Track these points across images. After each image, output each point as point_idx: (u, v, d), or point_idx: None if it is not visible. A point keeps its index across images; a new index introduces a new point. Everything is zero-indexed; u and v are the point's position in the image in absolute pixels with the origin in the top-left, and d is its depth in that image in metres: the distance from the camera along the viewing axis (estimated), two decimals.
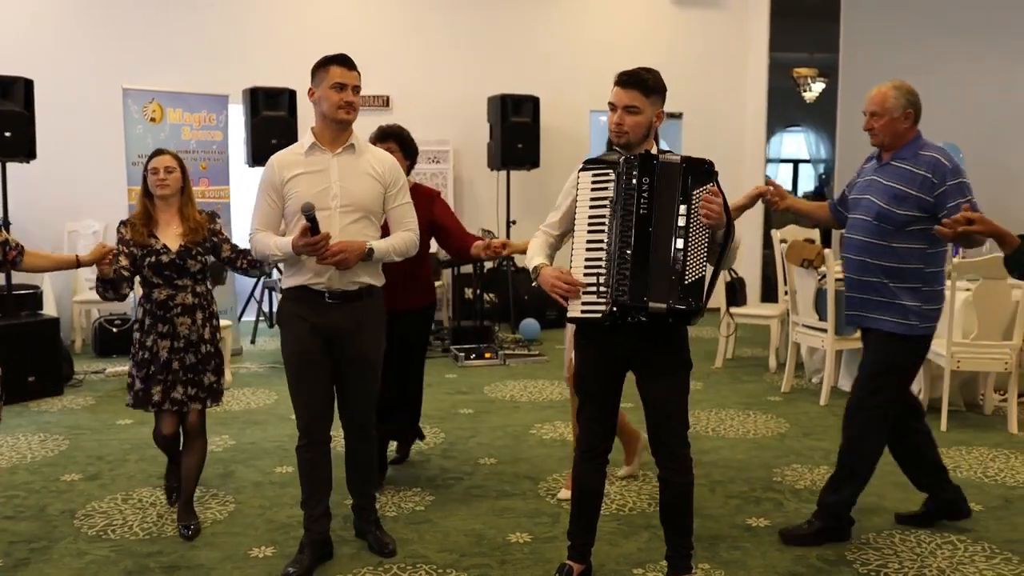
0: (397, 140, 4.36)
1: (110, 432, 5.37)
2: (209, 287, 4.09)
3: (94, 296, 7.92)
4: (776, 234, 7.97)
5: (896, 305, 3.60)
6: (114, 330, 7.58)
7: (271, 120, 7.90)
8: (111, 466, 4.77)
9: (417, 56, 9.14)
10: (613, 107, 3.14)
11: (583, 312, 3.09)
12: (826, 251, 5.99)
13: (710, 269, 3.10)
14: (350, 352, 3.46)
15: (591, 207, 3.11)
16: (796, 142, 17.37)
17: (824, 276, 6.01)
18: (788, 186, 17.82)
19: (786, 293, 7.08)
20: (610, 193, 3.08)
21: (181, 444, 4.06)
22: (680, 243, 3.04)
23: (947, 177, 3.50)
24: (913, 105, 3.65)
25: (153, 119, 7.14)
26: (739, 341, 7.58)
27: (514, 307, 8.57)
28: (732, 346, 7.45)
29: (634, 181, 3.04)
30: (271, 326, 8.58)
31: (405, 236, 3.52)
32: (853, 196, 3.81)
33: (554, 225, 3.33)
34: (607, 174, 3.10)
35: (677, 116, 9.73)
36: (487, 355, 7.30)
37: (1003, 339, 5.46)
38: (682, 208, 3.04)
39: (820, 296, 6.02)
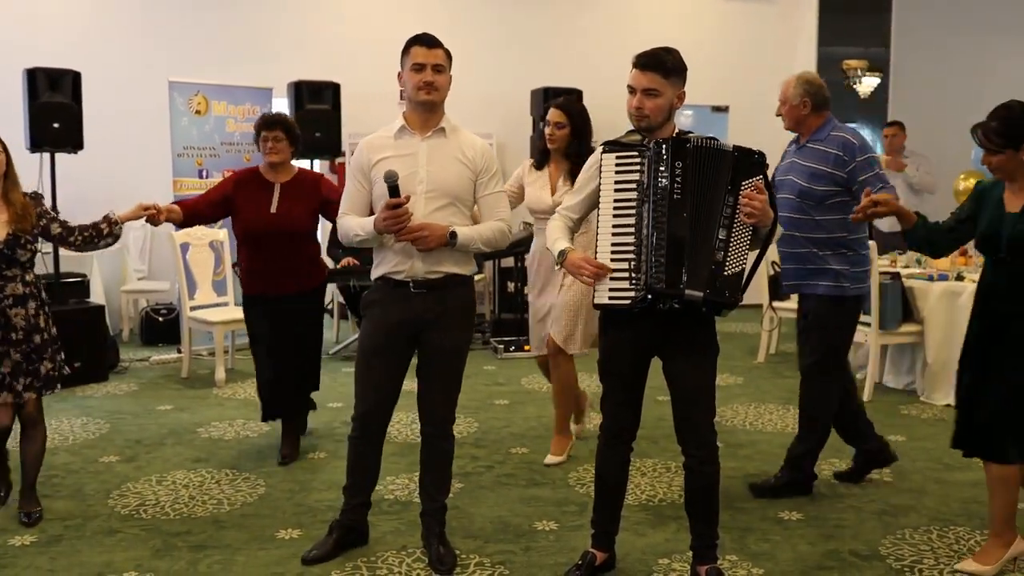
0: (283, 127, 4.53)
1: (150, 417, 5.45)
2: (37, 274, 3.87)
3: (143, 285, 8.18)
4: None
5: (829, 271, 3.97)
6: (160, 319, 7.70)
7: (315, 113, 7.94)
8: (148, 449, 4.84)
9: (460, 49, 8.94)
10: (632, 90, 3.07)
11: (611, 298, 3.03)
12: (870, 243, 5.85)
13: (751, 260, 3.04)
14: (434, 343, 3.34)
15: (616, 190, 3.04)
16: None
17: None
18: None
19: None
20: (637, 176, 3.00)
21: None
22: (723, 233, 2.96)
23: (856, 153, 3.90)
24: (810, 94, 4.04)
25: (198, 111, 7.24)
26: (782, 336, 7.46)
27: None
28: (775, 341, 7.32)
29: (665, 166, 2.97)
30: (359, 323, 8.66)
31: (495, 226, 3.35)
32: (779, 178, 4.08)
33: (573, 208, 3.27)
34: (633, 156, 3.04)
35: (723, 109, 9.64)
36: (526, 347, 7.25)
37: None
38: (729, 198, 2.96)
39: None
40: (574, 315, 4.50)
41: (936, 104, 9.66)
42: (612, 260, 3.02)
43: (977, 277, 5.59)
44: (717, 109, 9.66)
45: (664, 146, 2.98)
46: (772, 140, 9.26)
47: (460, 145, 3.33)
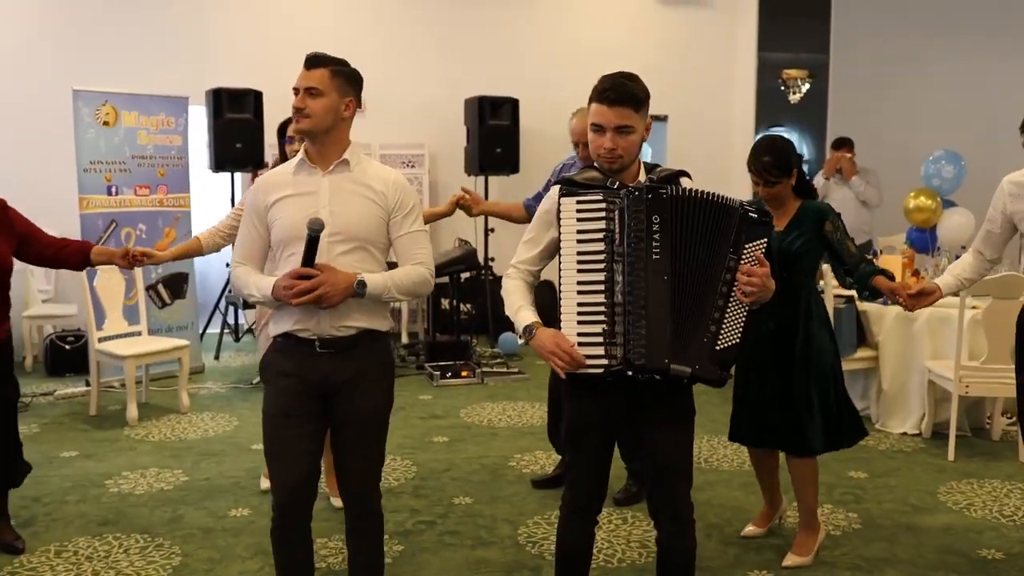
0: None
1: (51, 467, 4.93)
2: None
3: (48, 309, 7.56)
4: None
5: None
6: (67, 347, 7.12)
7: (235, 123, 7.50)
8: (47, 509, 4.33)
9: (391, 56, 8.71)
10: (599, 128, 2.68)
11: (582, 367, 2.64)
12: (824, 267, 5.62)
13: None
14: (347, 409, 2.86)
15: (580, 241, 2.64)
16: None
17: (822, 292, 5.65)
18: None
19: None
20: (603, 225, 2.61)
21: None
22: (720, 301, 2.60)
23: None
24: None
25: (107, 123, 6.67)
26: None
27: (492, 318, 8.16)
28: None
29: (640, 220, 2.58)
30: (237, 339, 8.15)
31: (412, 271, 2.88)
32: None
33: (532, 261, 2.86)
34: (598, 201, 2.64)
35: (662, 119, 9.39)
36: (464, 373, 6.89)
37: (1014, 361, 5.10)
38: (730, 262, 2.60)
39: None
40: None
41: (875, 107, 9.57)
42: (580, 323, 2.63)
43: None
44: (655, 118, 9.37)
45: (636, 193, 2.60)
46: (711, 151, 9.20)
47: (368, 180, 2.86)
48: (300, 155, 2.88)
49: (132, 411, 5.74)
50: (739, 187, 9.37)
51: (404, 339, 8.29)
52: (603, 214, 2.62)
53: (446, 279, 7.79)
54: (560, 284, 2.66)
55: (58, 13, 7.81)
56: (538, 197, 4.43)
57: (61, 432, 5.59)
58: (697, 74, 9.40)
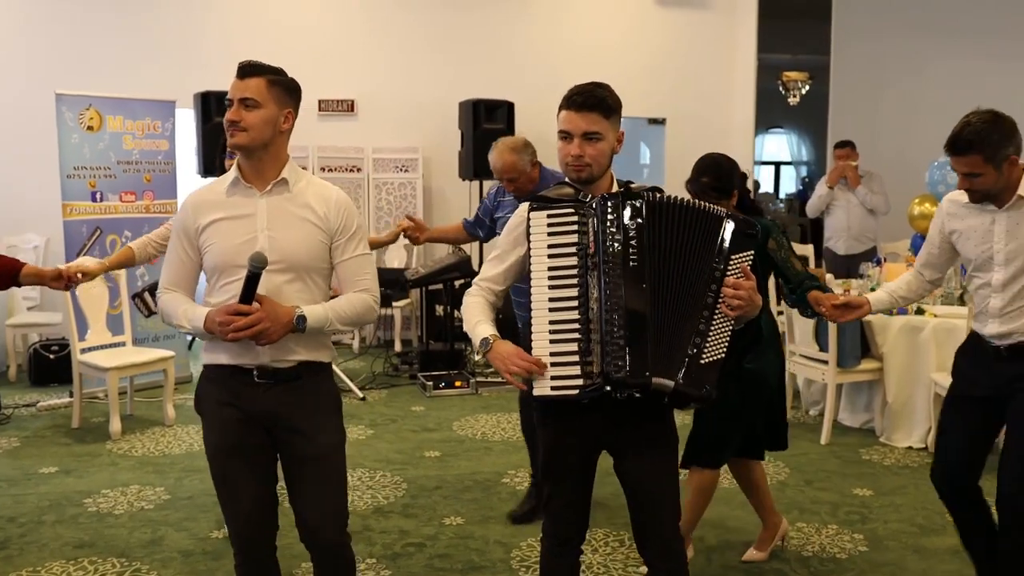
0: None
1: (30, 484, 4.76)
2: None
3: (32, 318, 7.40)
4: None
5: None
6: (51, 356, 6.96)
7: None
8: (22, 530, 4.17)
9: (384, 58, 8.56)
10: (567, 135, 2.56)
11: (555, 388, 2.46)
12: (827, 276, 5.49)
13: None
14: (296, 448, 2.64)
15: (551, 256, 2.49)
16: (778, 144, 16.93)
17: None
18: (770, 189, 17.41)
19: (779, 313, 6.59)
20: (576, 239, 2.48)
21: None
22: (707, 313, 2.46)
23: None
24: (533, 154, 4.08)
25: (91, 127, 6.50)
26: None
27: None
28: None
29: (615, 225, 2.45)
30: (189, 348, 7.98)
31: (356, 299, 2.67)
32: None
33: (496, 279, 2.70)
34: (569, 214, 2.50)
35: (660, 122, 9.24)
36: (457, 383, 6.73)
37: None
38: (716, 272, 2.47)
39: (820, 326, 5.50)
40: None
41: (876, 109, 9.43)
42: (553, 341, 2.47)
43: (936, 310, 5.29)
44: (654, 121, 9.25)
45: (610, 201, 2.47)
46: (711, 152, 9.02)
47: (308, 201, 2.62)
48: (233, 172, 2.62)
49: (115, 424, 5.58)
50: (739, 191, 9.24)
51: (398, 347, 8.13)
52: (575, 227, 2.49)
53: (440, 286, 7.64)
54: (532, 303, 2.51)
55: (41, 14, 7.64)
56: (477, 219, 4.51)
57: (42, 446, 5.42)
58: (696, 76, 9.23)
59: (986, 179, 2.96)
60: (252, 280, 2.47)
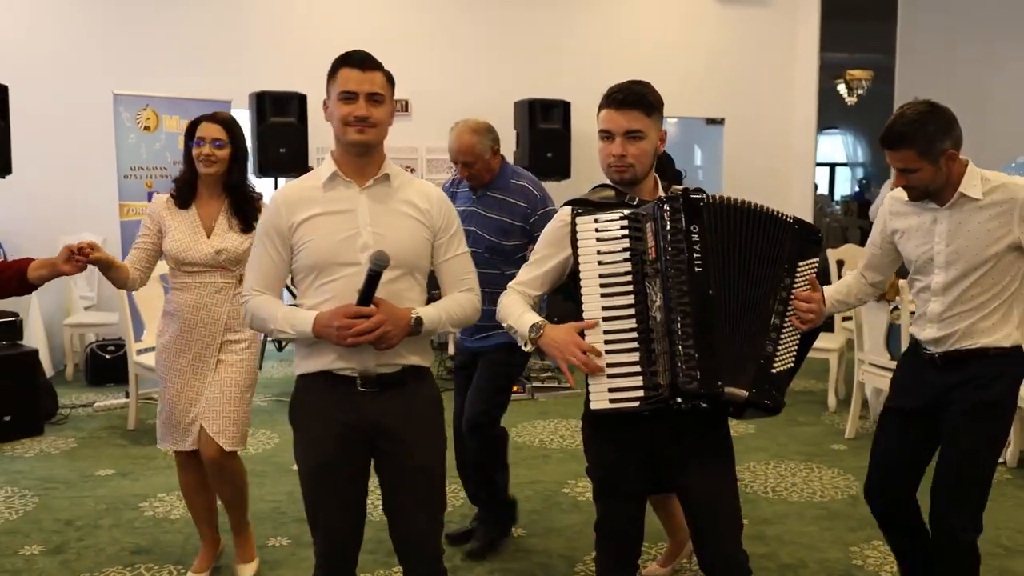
0: None
1: (86, 487, 4.74)
2: None
3: (89, 318, 7.42)
4: (832, 254, 7.27)
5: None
6: (107, 356, 6.97)
7: (279, 127, 7.28)
8: (79, 534, 4.13)
9: (438, 57, 8.47)
10: (608, 135, 2.46)
11: (613, 401, 2.33)
12: (900, 282, 5.27)
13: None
14: (399, 458, 2.51)
15: (602, 263, 2.37)
16: (832, 145, 16.60)
17: (897, 309, 5.30)
18: (825, 190, 17.08)
19: (846, 320, 6.39)
20: (627, 244, 2.36)
21: None
22: (777, 320, 2.37)
23: (537, 206, 3.81)
24: (495, 140, 3.88)
25: (147, 128, 6.51)
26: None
27: None
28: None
29: (678, 230, 2.33)
30: (280, 349, 7.97)
31: (464, 300, 2.58)
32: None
33: (533, 284, 2.57)
34: (620, 219, 2.39)
35: (719, 122, 9.04)
36: (515, 389, 6.60)
37: None
38: (786, 279, 2.39)
39: (892, 332, 5.30)
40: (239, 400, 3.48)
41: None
42: (609, 352, 2.34)
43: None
44: (712, 121, 9.05)
45: (672, 204, 2.35)
46: (770, 155, 8.81)
47: (411, 196, 2.54)
48: (328, 167, 2.51)
49: None
50: (799, 193, 9.02)
51: (451, 350, 8.04)
52: (626, 232, 2.38)
53: None
54: (582, 311, 2.38)
55: (98, 15, 7.66)
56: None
57: (98, 449, 5.41)
58: (756, 76, 9.01)
59: (923, 175, 2.77)
60: (372, 280, 2.35)
